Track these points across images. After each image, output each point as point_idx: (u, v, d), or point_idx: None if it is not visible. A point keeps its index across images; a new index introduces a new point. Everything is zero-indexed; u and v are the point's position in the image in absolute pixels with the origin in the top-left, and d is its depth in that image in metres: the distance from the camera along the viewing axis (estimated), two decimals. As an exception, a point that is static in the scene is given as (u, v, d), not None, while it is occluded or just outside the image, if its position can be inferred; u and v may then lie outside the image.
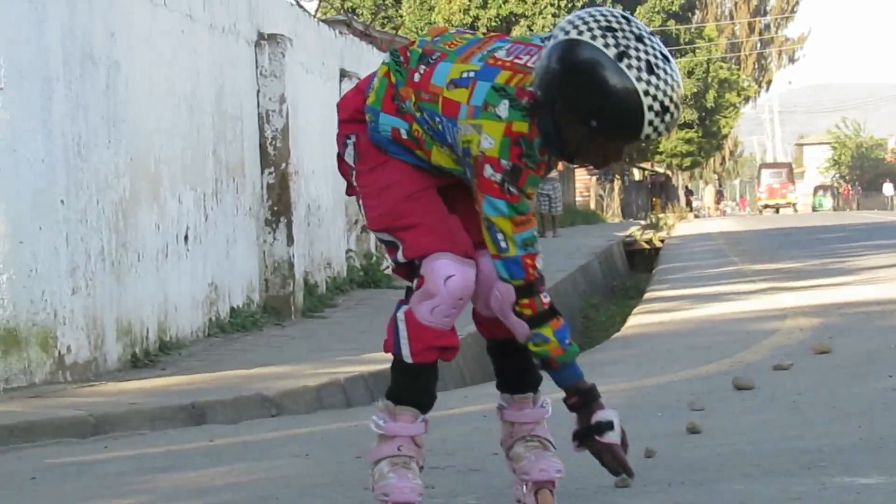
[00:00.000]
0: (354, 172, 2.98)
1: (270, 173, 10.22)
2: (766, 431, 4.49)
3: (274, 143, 10.17)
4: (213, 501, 3.88)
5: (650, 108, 2.48)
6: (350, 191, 3.12)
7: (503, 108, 2.65)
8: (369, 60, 14.10)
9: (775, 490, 3.24)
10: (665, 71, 2.52)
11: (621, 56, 2.48)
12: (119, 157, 7.16)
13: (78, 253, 6.57)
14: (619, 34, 2.52)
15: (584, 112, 2.55)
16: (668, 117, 2.53)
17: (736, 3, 55.41)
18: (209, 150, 8.87)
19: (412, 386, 2.90)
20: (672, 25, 44.37)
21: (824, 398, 5.26)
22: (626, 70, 2.47)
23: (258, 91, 10.13)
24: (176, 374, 7.01)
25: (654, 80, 2.48)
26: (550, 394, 2.95)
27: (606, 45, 2.48)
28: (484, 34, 3.39)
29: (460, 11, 39.77)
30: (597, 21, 2.55)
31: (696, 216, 57.00)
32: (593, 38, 2.50)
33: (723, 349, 7.21)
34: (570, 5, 37.17)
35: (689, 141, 49.91)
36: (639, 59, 2.49)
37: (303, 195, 11.06)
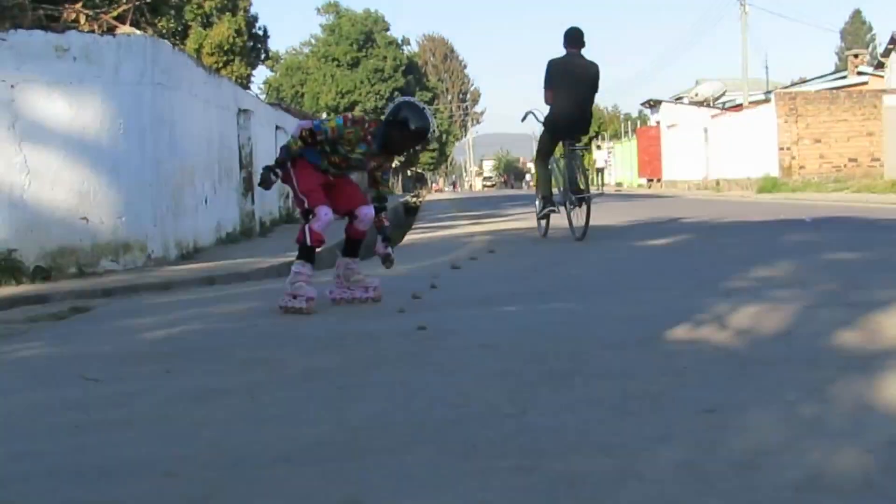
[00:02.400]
0: (293, 171, 6.56)
1: (244, 172, 17.80)
2: (472, 286, 8.08)
3: (245, 158, 17.86)
4: (227, 311, 7.46)
5: (430, 131, 6.55)
6: (285, 178, 6.62)
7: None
8: (287, 122, 23.26)
9: (540, 305, 6.36)
10: (432, 118, 6.65)
11: (421, 108, 6.52)
12: (175, 164, 12.43)
13: (158, 207, 11.61)
14: (420, 103, 6.67)
15: (406, 127, 6.39)
16: (432, 135, 6.70)
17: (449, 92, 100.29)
18: (215, 160, 15.22)
19: (308, 255, 6.57)
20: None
21: (496, 269, 9.52)
22: (424, 112, 6.50)
23: (238, 135, 17.52)
24: (201, 262, 11.72)
25: (432, 120, 6.60)
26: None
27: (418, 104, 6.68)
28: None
29: (332, 101, 68.94)
30: (417, 101, 6.88)
31: (436, 192, 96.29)
32: (416, 101, 6.75)
33: (446, 251, 11.53)
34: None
35: (432, 158, 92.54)
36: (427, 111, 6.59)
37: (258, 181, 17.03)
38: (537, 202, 12.22)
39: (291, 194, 6.95)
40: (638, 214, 18.18)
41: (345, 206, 6.71)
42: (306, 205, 6.46)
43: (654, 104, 57.53)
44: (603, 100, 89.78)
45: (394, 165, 7.09)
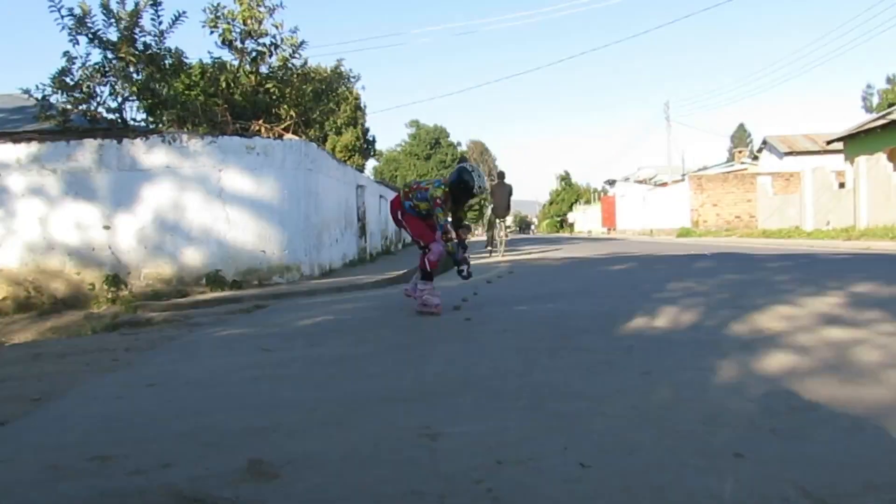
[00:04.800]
0: (403, 220, 6.06)
1: (360, 223, 16.79)
2: (499, 294, 7.45)
3: (361, 215, 16.83)
4: (349, 308, 7.19)
5: (476, 185, 5.78)
6: (397, 224, 6.18)
7: (437, 190, 5.82)
8: (387, 192, 22.82)
9: (542, 305, 6.24)
10: (482, 177, 5.78)
11: (472, 171, 5.84)
12: (318, 218, 11.74)
13: (307, 244, 11.12)
14: (472, 167, 5.89)
15: (459, 183, 5.80)
16: (479, 189, 5.81)
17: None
18: (343, 216, 14.39)
19: (429, 276, 5.96)
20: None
21: (515, 284, 8.66)
22: (472, 175, 5.80)
23: (356, 201, 16.38)
24: (332, 278, 11.07)
25: (478, 179, 5.78)
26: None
27: (470, 168, 5.88)
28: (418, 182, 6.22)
29: (413, 179, 63.59)
30: (469, 164, 5.97)
31: (476, 235, 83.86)
32: (467, 166, 5.93)
33: (483, 272, 10.01)
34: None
35: (475, 213, 73.54)
36: (476, 173, 5.83)
37: (368, 229, 17.80)
38: (487, 243, 17.93)
39: (411, 235, 6.20)
40: (602, 250, 18.06)
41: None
42: (422, 243, 5.99)
43: (611, 182, 57.65)
44: (580, 178, 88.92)
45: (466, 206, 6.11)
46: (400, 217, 6.16)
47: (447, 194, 5.83)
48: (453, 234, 5.91)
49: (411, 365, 3.84)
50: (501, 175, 16.71)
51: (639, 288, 7.33)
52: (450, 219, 5.93)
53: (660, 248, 17.65)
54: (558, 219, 77.25)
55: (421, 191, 5.99)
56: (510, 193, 16.26)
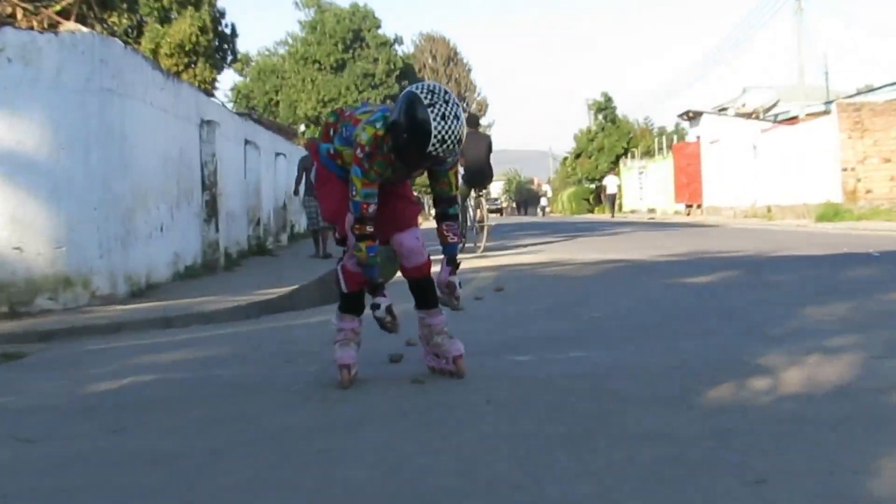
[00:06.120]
0: (315, 181, 5.92)
1: (206, 195, 17.46)
2: (477, 330, 7.21)
3: (209, 178, 17.46)
4: (185, 358, 7.57)
5: (435, 137, 5.03)
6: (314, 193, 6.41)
7: (366, 128, 5.37)
8: (259, 135, 24.72)
9: (558, 354, 6.41)
10: (451, 120, 5.05)
11: (430, 105, 5.03)
12: (126, 184, 12.30)
13: (105, 235, 11.58)
14: (430, 91, 5.15)
15: (401, 129, 5.13)
16: (444, 147, 5.10)
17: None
18: (174, 180, 15.11)
19: (348, 304, 5.90)
20: None
21: (506, 311, 9.20)
22: (429, 112, 5.02)
23: (200, 150, 17.20)
24: (155, 301, 11.66)
25: (442, 123, 5.02)
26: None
27: (425, 94, 5.11)
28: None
29: (313, 110, 68.05)
30: (427, 86, 5.28)
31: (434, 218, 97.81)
32: (420, 90, 5.17)
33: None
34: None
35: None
36: (438, 110, 5.03)
37: (224, 206, 18.19)
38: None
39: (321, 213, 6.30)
40: (673, 247, 18.19)
41: (386, 235, 5.65)
42: (337, 234, 5.86)
43: (693, 116, 57.46)
44: (633, 112, 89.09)
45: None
46: (313, 178, 6.23)
47: (379, 140, 5.34)
48: (371, 227, 5.44)
49: (308, 469, 3.85)
50: (473, 120, 19.25)
51: (742, 320, 7.41)
52: (370, 191, 5.40)
53: (784, 244, 17.85)
54: (592, 185, 77.20)
55: (351, 124, 5.62)
56: (489, 150, 18.95)
